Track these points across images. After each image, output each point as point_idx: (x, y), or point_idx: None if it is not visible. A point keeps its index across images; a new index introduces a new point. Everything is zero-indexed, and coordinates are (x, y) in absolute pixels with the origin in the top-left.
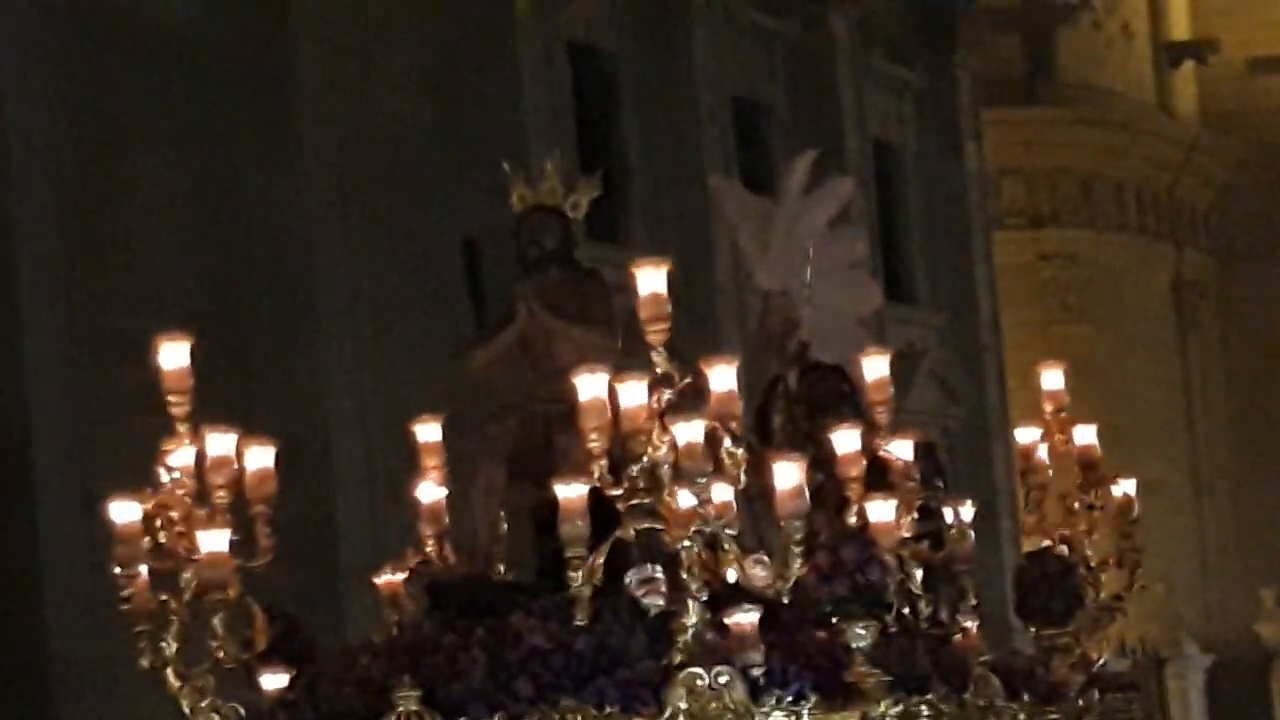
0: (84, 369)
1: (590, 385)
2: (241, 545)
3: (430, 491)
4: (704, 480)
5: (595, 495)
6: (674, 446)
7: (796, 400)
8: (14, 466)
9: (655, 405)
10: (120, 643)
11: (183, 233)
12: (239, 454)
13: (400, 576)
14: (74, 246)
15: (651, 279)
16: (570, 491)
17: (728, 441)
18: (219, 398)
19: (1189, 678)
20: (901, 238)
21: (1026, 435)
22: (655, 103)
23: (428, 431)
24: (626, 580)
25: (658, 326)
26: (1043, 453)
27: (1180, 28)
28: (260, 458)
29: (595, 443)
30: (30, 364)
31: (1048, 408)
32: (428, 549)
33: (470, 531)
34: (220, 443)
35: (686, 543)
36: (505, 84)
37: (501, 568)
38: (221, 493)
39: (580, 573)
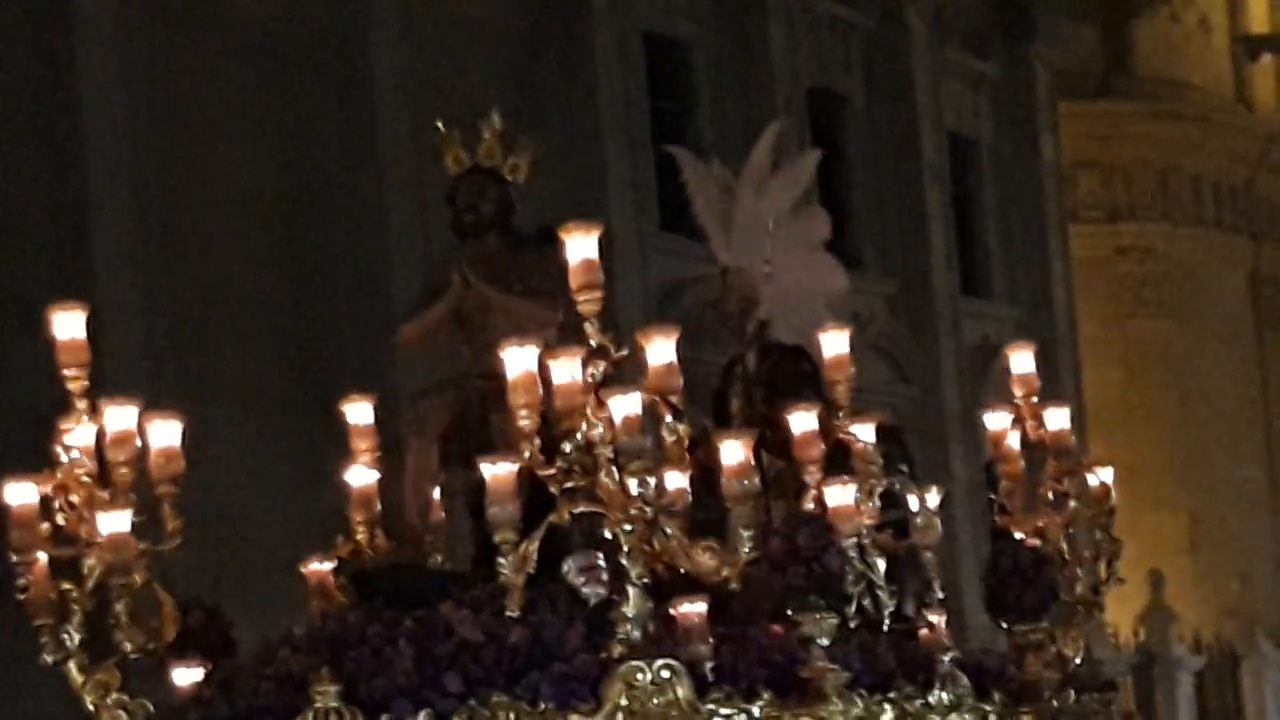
0: (163, 360)
1: (519, 359)
2: (148, 528)
3: (361, 475)
4: (642, 459)
5: (535, 478)
6: (610, 423)
7: (755, 382)
8: None
9: (590, 379)
10: (19, 636)
11: (262, 224)
12: (141, 430)
13: (329, 565)
14: (153, 237)
15: (582, 244)
16: (497, 471)
17: (668, 417)
18: (297, 385)
19: (1264, 674)
20: (977, 231)
21: (997, 421)
22: (731, 94)
23: (358, 412)
24: (564, 568)
25: (590, 295)
26: (1013, 440)
27: (1259, 21)
28: (165, 434)
29: (525, 420)
30: (109, 356)
31: (1018, 392)
32: (359, 536)
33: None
34: (120, 417)
35: (626, 526)
36: (581, 75)
37: (439, 557)
38: (123, 471)
39: (510, 559)
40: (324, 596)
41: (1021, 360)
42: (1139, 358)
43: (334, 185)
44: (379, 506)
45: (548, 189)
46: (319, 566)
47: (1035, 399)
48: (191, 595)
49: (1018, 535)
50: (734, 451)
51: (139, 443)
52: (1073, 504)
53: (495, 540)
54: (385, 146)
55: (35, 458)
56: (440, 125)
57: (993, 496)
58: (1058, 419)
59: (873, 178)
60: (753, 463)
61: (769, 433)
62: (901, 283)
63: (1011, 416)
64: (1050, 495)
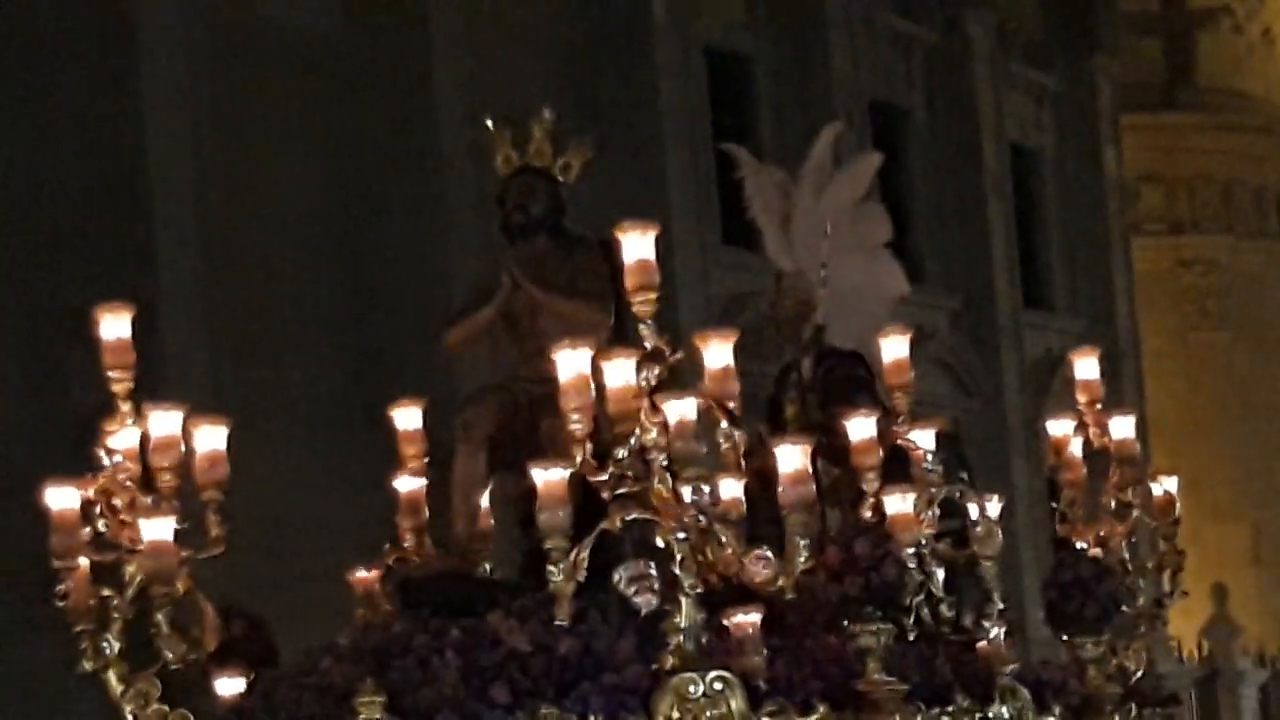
0: (223, 373)
1: (571, 362)
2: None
3: (408, 482)
4: (697, 465)
5: (587, 484)
6: (665, 429)
7: (810, 388)
8: None
9: (644, 383)
10: (58, 643)
11: (322, 237)
12: (186, 435)
13: (375, 573)
14: (214, 251)
15: (638, 244)
16: (549, 477)
17: (724, 422)
18: (356, 397)
19: None
20: (1039, 244)
21: (1059, 428)
22: (792, 107)
23: (406, 418)
24: (615, 577)
25: (645, 296)
26: (1076, 448)
27: None
28: (210, 439)
29: (577, 425)
30: (170, 368)
31: (1081, 399)
32: (406, 544)
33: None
34: (164, 422)
35: (679, 535)
36: (642, 88)
37: (488, 565)
38: (167, 476)
39: (560, 567)
40: (371, 605)
41: (1085, 366)
42: (1202, 370)
43: (394, 199)
44: (427, 514)
45: (609, 202)
46: (365, 574)
47: (1099, 406)
48: (234, 604)
49: (1080, 545)
50: (791, 458)
51: (183, 448)
52: (1136, 514)
53: (545, 547)
54: (445, 160)
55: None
56: (490, 123)
57: (1054, 505)
58: (1122, 427)
59: (935, 191)
60: (810, 470)
61: (824, 439)
62: (964, 296)
63: (1074, 424)
64: (1113, 504)
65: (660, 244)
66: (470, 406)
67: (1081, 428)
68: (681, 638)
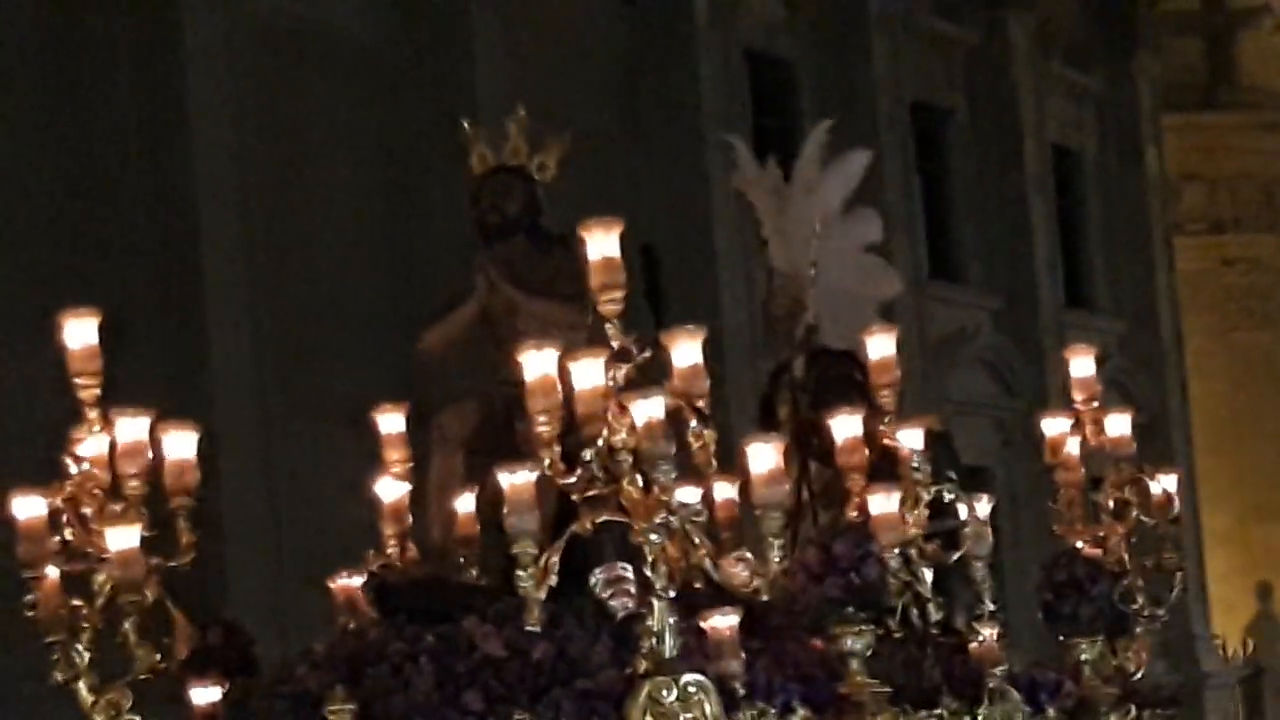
0: (270, 379)
1: (538, 362)
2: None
3: (391, 488)
4: (666, 466)
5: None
6: (634, 429)
7: (802, 388)
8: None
9: (610, 383)
10: (28, 654)
11: (367, 242)
12: (155, 441)
13: (357, 580)
14: (260, 256)
15: (603, 242)
16: (515, 479)
17: (693, 421)
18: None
19: None
20: (1081, 245)
21: (1055, 426)
22: (834, 109)
23: (389, 422)
24: (591, 580)
25: (612, 295)
26: (1073, 446)
27: None
28: (180, 445)
29: (545, 426)
30: (217, 373)
31: (1078, 396)
32: (389, 550)
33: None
34: (132, 427)
35: (652, 536)
36: (684, 92)
37: (474, 571)
38: (134, 483)
39: (529, 572)
40: (353, 612)
41: (1081, 364)
42: (1245, 369)
43: (437, 203)
44: (410, 519)
45: (650, 208)
46: (347, 581)
47: (1095, 404)
48: (211, 612)
49: (1078, 545)
50: (763, 456)
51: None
52: (1134, 513)
53: (513, 551)
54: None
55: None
56: (465, 123)
57: (1051, 505)
58: (1118, 424)
59: (976, 192)
60: (783, 468)
61: (816, 440)
62: (1006, 296)
63: (1070, 422)
64: (1111, 504)
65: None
66: (447, 409)
67: (1078, 426)
68: (654, 641)
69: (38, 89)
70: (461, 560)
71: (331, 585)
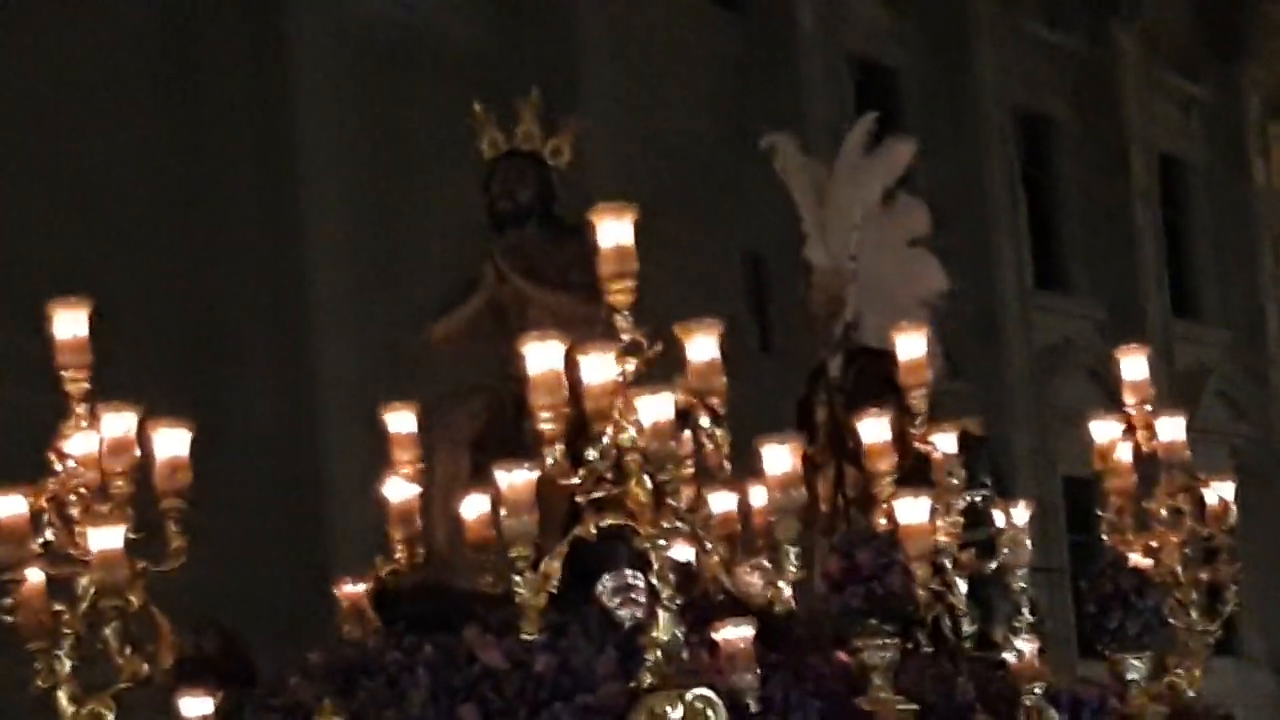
0: (378, 389)
1: (542, 355)
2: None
3: (400, 489)
4: (674, 467)
5: None
6: (641, 427)
7: (839, 389)
8: (312, 488)
9: (620, 378)
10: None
11: (475, 253)
12: (143, 438)
13: (363, 587)
14: (367, 264)
15: (615, 229)
16: (513, 479)
17: (705, 420)
18: None
19: None
20: (1188, 254)
21: (1105, 431)
22: (939, 118)
23: (399, 421)
24: (599, 588)
25: (622, 284)
26: (1124, 451)
27: None
28: (172, 443)
29: (548, 424)
30: (324, 382)
31: (1129, 400)
32: (397, 555)
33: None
34: (119, 423)
35: (660, 541)
36: (789, 99)
37: (490, 577)
38: (120, 482)
39: (526, 578)
40: (360, 620)
41: (1133, 365)
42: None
43: None
44: (420, 523)
45: (756, 217)
46: (352, 589)
47: (1149, 407)
48: (209, 619)
49: (1132, 557)
50: (778, 459)
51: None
52: (1189, 522)
53: (510, 556)
54: (595, 172)
55: (264, 491)
56: (477, 106)
57: (1100, 514)
58: (1171, 429)
59: (1082, 201)
60: (800, 472)
61: (851, 443)
62: (1111, 306)
63: (1122, 426)
64: (1163, 512)
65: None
66: (451, 406)
67: (1130, 430)
68: (659, 653)
69: (150, 98)
70: (476, 566)
71: (337, 592)
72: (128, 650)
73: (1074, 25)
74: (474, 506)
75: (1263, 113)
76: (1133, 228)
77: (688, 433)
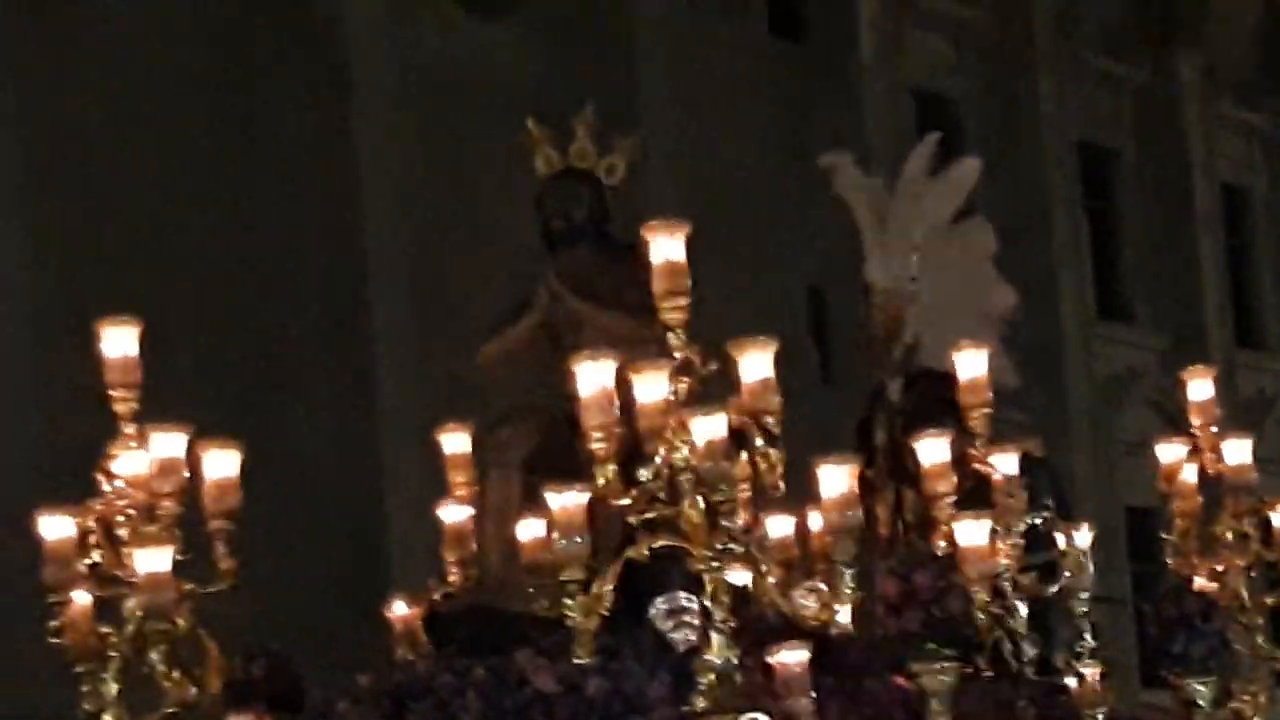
0: (435, 412)
1: (594, 374)
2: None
3: (454, 511)
4: (728, 488)
5: None
6: (695, 447)
7: (898, 411)
8: (371, 515)
9: (672, 397)
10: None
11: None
12: (194, 459)
13: (416, 610)
14: (427, 292)
15: (667, 246)
16: (564, 501)
17: (759, 440)
18: None
19: None
20: (1252, 284)
21: (1170, 453)
22: (1001, 149)
23: (454, 442)
24: (652, 611)
25: (675, 301)
26: (1190, 473)
27: None
28: (221, 464)
29: (599, 444)
30: (383, 410)
31: (1195, 421)
32: (452, 577)
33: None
34: (168, 444)
35: (714, 563)
36: (850, 130)
37: (545, 601)
38: (168, 503)
39: (578, 600)
40: (412, 643)
41: (1199, 387)
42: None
43: None
44: (474, 546)
45: (817, 248)
46: (405, 611)
47: (1215, 429)
48: (258, 643)
49: (1197, 580)
50: (834, 480)
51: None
52: (1254, 546)
53: (561, 580)
54: (654, 204)
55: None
56: (530, 123)
57: (1165, 536)
58: (1238, 451)
59: (1145, 231)
60: (856, 493)
61: (910, 466)
62: (1175, 336)
63: (1188, 448)
64: (1229, 535)
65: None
66: (504, 426)
67: (1195, 453)
68: (713, 676)
69: (210, 127)
70: (530, 589)
71: (389, 615)
72: (175, 674)
73: (1134, 56)
74: (529, 529)
75: None
76: (1195, 257)
77: (745, 454)
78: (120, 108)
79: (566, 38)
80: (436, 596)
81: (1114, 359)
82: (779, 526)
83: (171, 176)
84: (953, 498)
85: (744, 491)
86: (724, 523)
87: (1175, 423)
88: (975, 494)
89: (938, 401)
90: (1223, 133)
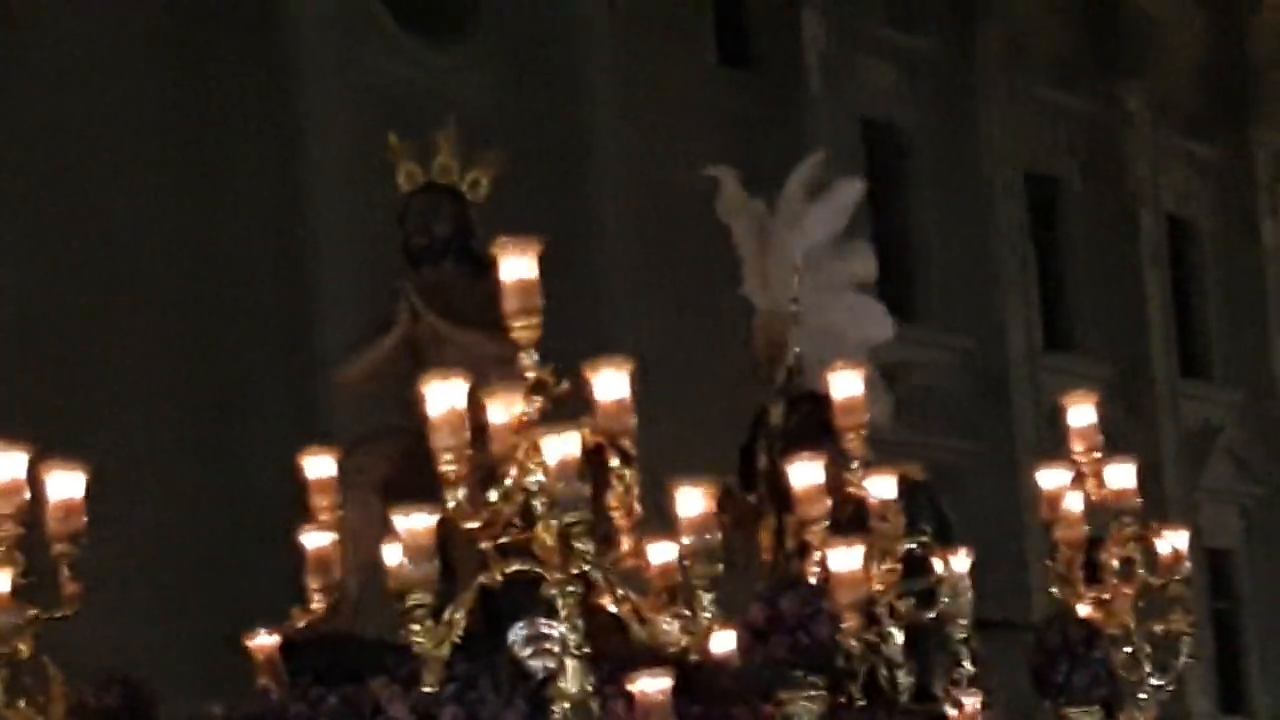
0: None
1: (444, 395)
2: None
3: (317, 537)
4: (580, 510)
5: None
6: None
7: (779, 435)
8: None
9: (523, 417)
10: None
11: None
12: (35, 480)
13: (276, 639)
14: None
15: (517, 265)
16: (412, 524)
17: (614, 461)
18: None
19: None
20: (1197, 315)
21: (1053, 479)
22: (948, 177)
23: (317, 466)
24: (510, 637)
25: (526, 321)
26: (1073, 501)
27: None
28: (65, 485)
29: (450, 466)
30: (334, 439)
31: (1077, 447)
32: (314, 605)
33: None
34: (8, 464)
35: (569, 588)
36: (797, 158)
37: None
38: (8, 525)
39: (424, 626)
40: (272, 673)
41: (1081, 413)
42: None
43: (556, 265)
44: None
45: None
46: (265, 640)
47: (1098, 455)
48: (113, 670)
49: (1080, 609)
50: (692, 501)
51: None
52: (1140, 573)
53: (407, 605)
54: (605, 228)
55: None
56: (392, 137)
57: (1049, 564)
58: (1122, 476)
59: (1091, 262)
60: (714, 516)
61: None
62: (1119, 366)
63: (1071, 474)
64: (1115, 563)
65: None
66: (361, 448)
67: (1079, 479)
68: (568, 706)
69: (162, 155)
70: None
71: (249, 644)
72: (20, 703)
73: (1083, 87)
74: (395, 553)
75: (1271, 174)
76: (1141, 289)
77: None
78: (69, 134)
79: (517, 64)
80: (300, 624)
81: (1060, 389)
82: (660, 552)
83: (121, 201)
84: (826, 522)
85: (621, 518)
86: (578, 545)
87: (1120, 453)
88: (857, 519)
89: (819, 425)
90: (1169, 164)
